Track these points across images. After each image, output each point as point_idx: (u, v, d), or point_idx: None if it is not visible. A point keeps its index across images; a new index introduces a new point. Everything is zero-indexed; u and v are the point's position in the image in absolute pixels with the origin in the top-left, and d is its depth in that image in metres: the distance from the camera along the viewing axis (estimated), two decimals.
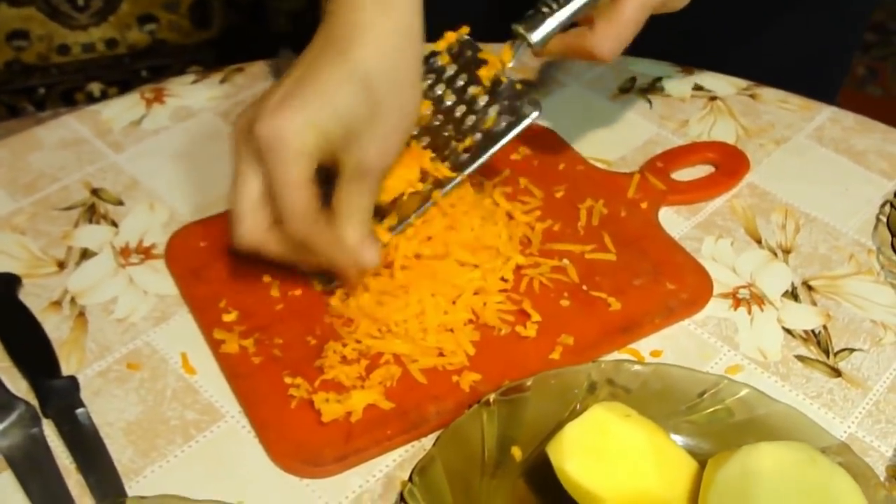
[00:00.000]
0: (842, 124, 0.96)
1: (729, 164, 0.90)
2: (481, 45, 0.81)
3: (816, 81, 1.05)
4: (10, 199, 0.86)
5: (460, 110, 0.79)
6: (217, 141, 0.92)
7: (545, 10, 0.77)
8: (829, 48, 1.12)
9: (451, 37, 0.81)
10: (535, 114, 0.76)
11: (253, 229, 0.69)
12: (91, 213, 0.85)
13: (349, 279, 0.73)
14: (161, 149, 0.91)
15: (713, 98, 0.99)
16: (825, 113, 0.97)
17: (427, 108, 0.79)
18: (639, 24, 0.76)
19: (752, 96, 0.99)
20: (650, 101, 0.98)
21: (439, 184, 0.76)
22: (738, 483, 0.57)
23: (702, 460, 0.62)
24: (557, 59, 1.00)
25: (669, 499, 0.60)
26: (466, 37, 0.81)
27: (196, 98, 0.97)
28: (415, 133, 0.78)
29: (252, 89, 0.98)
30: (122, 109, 0.96)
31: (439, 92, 0.80)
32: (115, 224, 0.84)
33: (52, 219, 0.84)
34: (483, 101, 0.78)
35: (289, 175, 0.66)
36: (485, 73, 0.78)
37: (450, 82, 0.80)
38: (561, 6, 0.77)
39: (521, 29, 0.77)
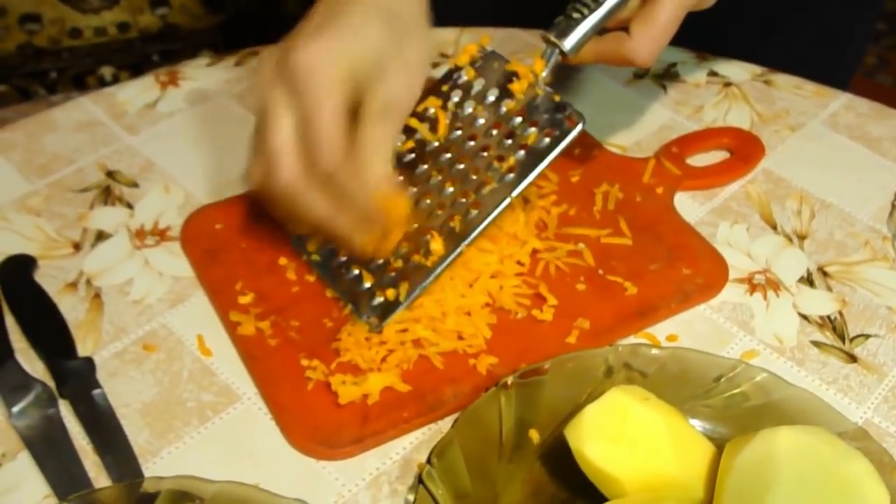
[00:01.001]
0: (856, 111, 0.95)
1: (744, 149, 0.89)
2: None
3: (829, 70, 1.04)
4: (25, 181, 0.86)
5: (496, 129, 0.75)
6: (232, 123, 0.92)
7: (576, 15, 0.74)
8: (841, 37, 1.12)
9: (471, 49, 0.77)
10: (579, 126, 0.72)
11: (292, 167, 0.67)
12: (106, 195, 0.85)
13: (378, 230, 0.71)
14: (176, 131, 0.91)
15: (728, 84, 0.98)
16: (840, 100, 0.97)
17: (444, 125, 0.76)
18: (676, 25, 0.74)
19: (766, 82, 0.99)
20: (665, 87, 0.98)
21: (487, 208, 0.72)
22: (757, 467, 0.57)
23: (719, 444, 0.62)
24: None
25: (687, 482, 0.60)
26: (490, 49, 0.78)
27: (211, 81, 0.97)
28: (448, 157, 0.75)
29: None
30: (137, 92, 0.96)
31: (469, 110, 0.76)
32: (130, 206, 0.84)
33: (67, 200, 0.84)
34: (520, 116, 0.74)
35: (326, 103, 0.65)
36: (518, 87, 0.74)
37: (480, 99, 0.76)
38: (592, 10, 0.73)
39: (552, 36, 0.74)
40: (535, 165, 0.72)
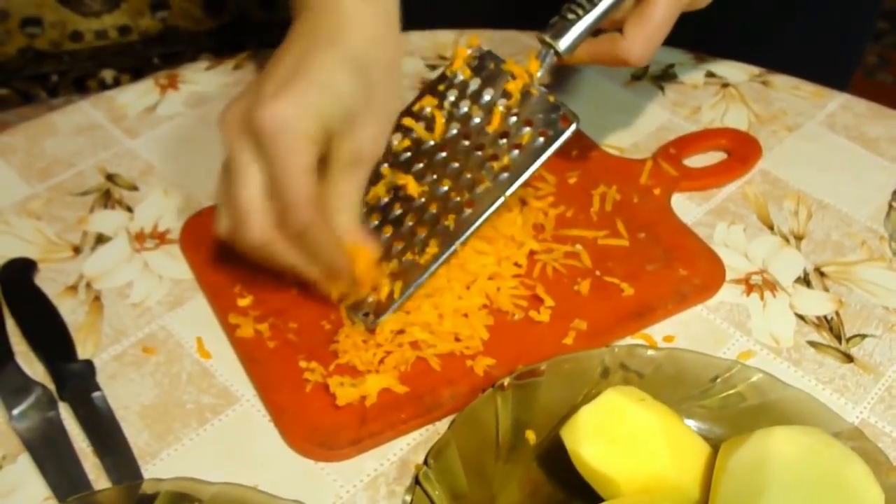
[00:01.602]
0: (854, 111, 0.96)
1: (741, 150, 0.90)
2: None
3: (829, 70, 1.04)
4: (25, 185, 0.86)
5: (491, 128, 0.75)
6: None
7: (571, 16, 0.74)
8: (841, 36, 1.12)
9: (463, 53, 0.77)
10: (573, 126, 0.72)
11: (263, 224, 0.67)
12: (106, 199, 0.85)
13: (347, 280, 0.71)
14: (175, 135, 0.92)
15: (725, 85, 0.99)
16: (837, 100, 0.97)
17: (441, 123, 0.77)
18: (670, 26, 0.74)
19: (764, 83, 0.99)
20: (663, 88, 0.98)
21: (481, 208, 0.73)
22: (752, 467, 0.57)
23: (715, 444, 0.62)
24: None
25: (683, 482, 0.60)
26: (486, 49, 0.78)
27: (210, 84, 0.98)
28: (443, 156, 0.76)
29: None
30: (136, 95, 0.96)
31: (465, 109, 0.76)
32: (130, 209, 0.84)
33: (67, 204, 0.85)
34: (515, 116, 0.75)
35: (294, 162, 0.64)
36: (513, 87, 0.75)
37: (475, 98, 0.76)
38: (587, 11, 0.74)
39: (547, 37, 0.74)
40: (529, 165, 0.73)
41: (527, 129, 0.74)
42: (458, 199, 0.74)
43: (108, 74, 2.17)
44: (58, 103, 2.07)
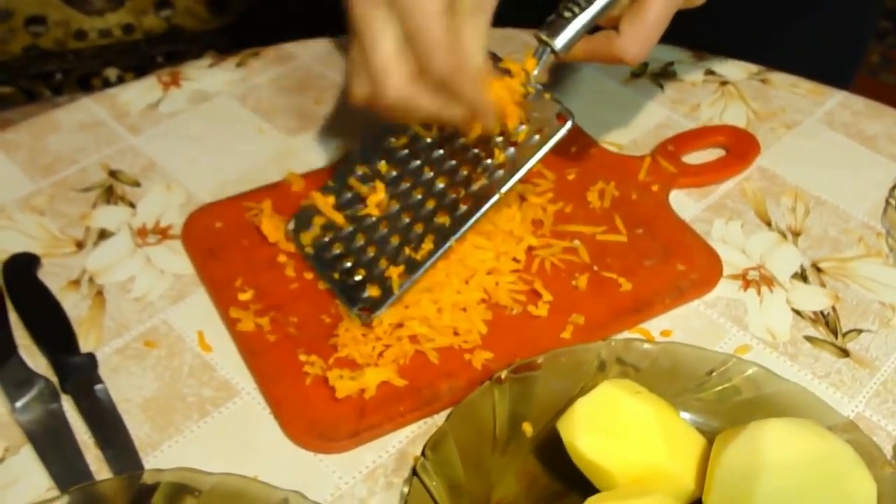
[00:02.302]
0: (852, 109, 0.96)
1: (739, 147, 0.90)
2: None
3: (830, 69, 1.05)
4: (29, 181, 0.87)
5: None
6: (233, 124, 0.93)
7: (567, 14, 0.74)
8: (842, 36, 1.12)
9: None
10: (568, 124, 0.73)
11: (401, 79, 0.67)
12: (109, 195, 0.86)
13: (484, 110, 0.71)
14: (178, 131, 0.92)
15: (724, 82, 0.99)
16: (836, 97, 0.97)
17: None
18: (665, 24, 0.74)
19: (763, 81, 0.99)
20: (662, 86, 0.99)
21: (476, 204, 0.74)
22: (745, 458, 0.58)
23: (710, 437, 0.62)
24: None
25: (678, 474, 0.61)
26: None
27: (212, 82, 0.98)
28: (440, 153, 0.77)
29: (268, 73, 0.99)
30: (139, 93, 0.97)
31: None
32: (132, 205, 0.85)
33: (70, 200, 0.85)
34: (510, 114, 0.74)
35: (428, 7, 0.65)
36: (509, 85, 0.74)
37: None
38: (583, 9, 0.74)
39: (543, 35, 0.74)
40: (525, 162, 0.73)
41: (523, 127, 0.74)
42: (455, 195, 0.74)
43: (111, 73, 2.18)
44: (62, 101, 2.07)
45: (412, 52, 0.67)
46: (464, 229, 0.73)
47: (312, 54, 1.02)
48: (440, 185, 0.75)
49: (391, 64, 0.67)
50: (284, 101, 0.96)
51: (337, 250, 0.77)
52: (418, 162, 0.77)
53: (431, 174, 0.76)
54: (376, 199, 0.77)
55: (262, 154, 0.90)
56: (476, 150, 0.75)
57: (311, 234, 0.78)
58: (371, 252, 0.76)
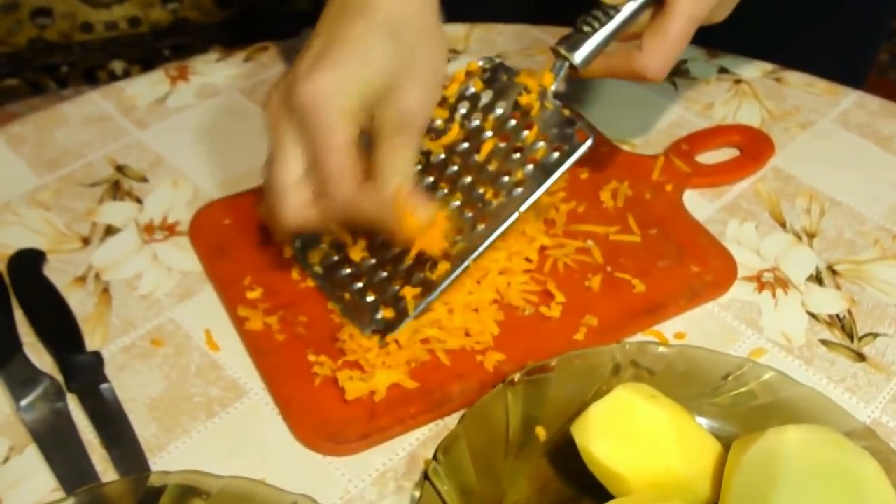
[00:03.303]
0: (867, 109, 0.95)
1: (754, 147, 0.89)
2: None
3: (843, 69, 1.04)
4: (35, 175, 0.86)
5: (504, 142, 0.73)
6: (241, 119, 0.92)
7: (586, 28, 0.73)
8: (857, 36, 1.11)
9: (473, 66, 0.76)
10: (589, 142, 0.71)
11: (298, 206, 0.67)
12: (115, 190, 0.85)
13: (400, 237, 0.70)
14: (185, 126, 0.92)
15: (738, 81, 0.98)
16: (851, 97, 0.96)
17: (456, 134, 0.75)
18: (687, 40, 0.73)
19: (777, 80, 0.98)
20: (675, 84, 0.98)
21: (494, 223, 0.71)
22: (764, 466, 0.57)
23: (726, 442, 0.61)
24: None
25: (694, 481, 0.60)
26: (498, 59, 0.76)
27: (220, 76, 0.97)
28: (455, 169, 0.74)
29: (276, 68, 0.98)
30: (146, 87, 0.96)
31: (477, 122, 0.75)
32: (139, 201, 0.84)
33: (76, 195, 0.84)
34: (528, 130, 0.73)
35: (333, 137, 0.64)
36: (526, 100, 0.73)
37: (487, 111, 0.75)
38: (603, 24, 0.73)
39: (562, 50, 0.73)
40: (544, 180, 0.71)
41: (541, 144, 0.72)
42: (471, 214, 0.72)
43: (118, 66, 2.17)
44: (67, 94, 2.07)
45: (314, 177, 0.66)
46: (481, 249, 0.71)
47: None
48: (456, 202, 0.73)
49: (291, 189, 0.67)
50: None
51: (347, 270, 0.75)
52: (432, 179, 0.75)
53: (446, 191, 0.74)
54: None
55: None
56: (492, 168, 0.73)
57: (319, 253, 0.76)
58: (384, 272, 0.74)
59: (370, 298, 0.73)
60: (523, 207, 0.71)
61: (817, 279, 0.79)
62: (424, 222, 0.69)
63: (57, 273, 0.78)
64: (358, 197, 0.67)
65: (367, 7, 0.67)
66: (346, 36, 0.67)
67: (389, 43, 0.67)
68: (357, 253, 0.74)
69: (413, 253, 0.71)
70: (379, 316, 0.72)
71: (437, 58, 0.70)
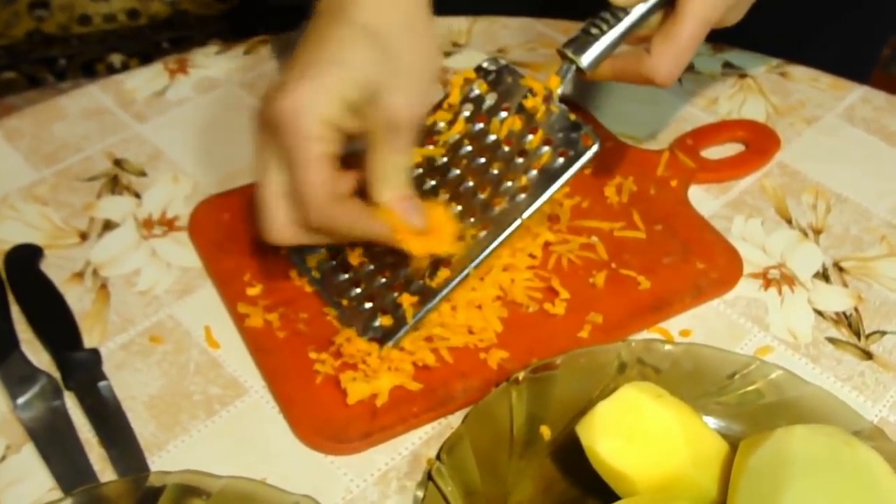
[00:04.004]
0: (873, 104, 0.94)
1: (759, 142, 0.89)
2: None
3: (847, 64, 1.03)
4: (32, 169, 0.85)
5: (508, 146, 0.72)
6: (241, 112, 0.91)
7: (594, 31, 0.72)
8: (862, 32, 1.11)
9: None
10: (595, 147, 0.69)
11: (282, 224, 0.66)
12: (114, 184, 0.84)
13: (394, 244, 0.69)
14: (184, 120, 0.91)
15: (743, 76, 0.97)
16: (856, 92, 0.96)
17: (458, 136, 0.74)
18: (698, 44, 0.72)
19: (782, 74, 0.98)
20: (680, 79, 0.96)
21: (496, 230, 0.70)
22: (772, 466, 0.56)
23: (733, 442, 0.61)
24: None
25: (701, 481, 0.59)
26: (503, 61, 0.75)
27: (220, 69, 0.96)
28: (456, 172, 0.73)
29: (275, 61, 0.98)
30: (145, 80, 0.95)
31: (480, 125, 0.73)
32: (137, 195, 0.83)
33: (74, 189, 0.84)
34: (532, 134, 0.71)
35: (306, 150, 0.63)
36: (531, 104, 0.72)
37: (491, 113, 0.73)
38: (611, 26, 0.71)
39: (569, 52, 0.71)
40: (548, 186, 0.70)
41: (546, 149, 0.71)
42: (472, 219, 0.71)
43: (116, 59, 2.16)
44: (65, 87, 2.07)
45: (293, 199, 0.65)
46: (482, 256, 0.70)
47: None
48: (457, 208, 0.72)
49: (270, 208, 0.66)
50: None
51: (344, 275, 0.74)
52: (433, 183, 0.74)
53: (447, 196, 0.73)
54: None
55: None
56: (495, 172, 0.72)
57: (317, 258, 0.75)
58: (382, 278, 0.72)
59: (368, 305, 0.72)
60: (526, 214, 0.70)
61: (824, 276, 0.78)
62: (420, 229, 0.68)
63: (54, 269, 0.77)
64: (335, 215, 0.65)
65: (349, 13, 0.66)
66: (327, 43, 0.65)
67: (371, 47, 0.65)
68: (355, 258, 0.73)
69: (422, 256, 0.70)
70: (377, 323, 0.70)
71: (425, 61, 0.69)
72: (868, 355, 0.72)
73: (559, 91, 0.72)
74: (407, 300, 0.69)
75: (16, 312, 0.73)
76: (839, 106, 0.94)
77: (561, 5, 0.78)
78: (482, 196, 0.72)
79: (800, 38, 1.05)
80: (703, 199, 0.84)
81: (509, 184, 0.71)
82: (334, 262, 0.74)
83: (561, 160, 0.70)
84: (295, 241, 0.67)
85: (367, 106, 0.65)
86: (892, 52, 2.44)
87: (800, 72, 0.98)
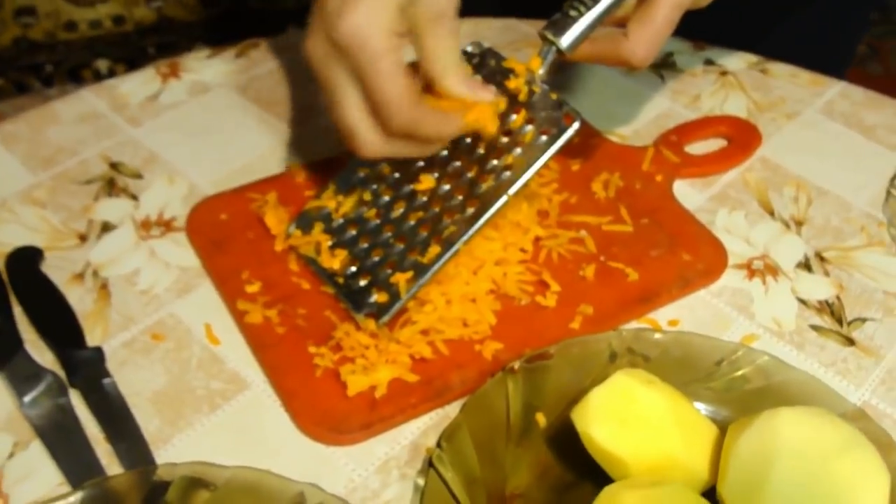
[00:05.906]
0: (851, 99, 0.96)
1: (741, 137, 0.90)
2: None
3: (825, 62, 1.05)
4: (29, 173, 0.87)
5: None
6: (234, 114, 0.93)
7: (573, 13, 0.73)
8: (838, 29, 1.12)
9: None
10: (576, 125, 0.72)
11: (371, 139, 0.68)
12: (111, 187, 0.85)
13: (487, 127, 0.71)
14: (178, 123, 0.92)
15: (724, 73, 0.99)
16: (835, 88, 0.98)
17: None
18: (673, 26, 0.74)
19: (762, 71, 1.00)
20: (662, 76, 0.99)
21: (484, 207, 0.72)
22: (760, 447, 0.58)
23: (722, 426, 0.62)
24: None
25: (692, 463, 0.61)
26: (487, 44, 0.77)
27: (211, 73, 0.98)
28: (444, 153, 0.75)
29: (267, 64, 0.99)
30: (138, 84, 0.96)
31: None
32: (135, 197, 0.84)
33: (71, 192, 0.85)
34: (516, 114, 0.73)
35: (383, 64, 0.65)
36: (514, 85, 0.73)
37: None
38: (589, 8, 0.73)
39: (549, 34, 0.73)
40: (532, 163, 0.72)
41: (529, 128, 0.73)
42: (461, 197, 0.73)
43: (102, 64, 2.17)
44: (52, 93, 2.07)
45: (374, 108, 0.67)
46: (471, 232, 0.72)
47: None
48: (445, 186, 0.74)
49: (357, 126, 0.68)
50: (285, 91, 0.96)
51: (342, 252, 0.76)
52: (422, 163, 0.76)
53: (436, 175, 0.75)
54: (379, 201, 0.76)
55: (264, 145, 0.90)
56: (482, 152, 0.74)
57: (312, 239, 0.77)
58: (375, 256, 0.75)
59: (363, 283, 0.74)
60: (512, 190, 0.72)
61: (806, 266, 0.80)
62: (491, 103, 0.71)
63: (55, 270, 0.78)
64: (422, 117, 0.67)
65: None
66: None
67: None
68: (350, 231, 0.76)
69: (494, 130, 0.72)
70: (372, 299, 0.72)
71: None
72: (850, 341, 0.74)
73: (540, 72, 0.74)
74: (400, 277, 0.71)
75: (18, 313, 0.74)
76: (818, 101, 0.96)
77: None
78: (470, 175, 0.74)
79: (776, 35, 1.07)
80: (688, 193, 0.86)
81: (495, 162, 0.73)
82: (330, 244, 0.76)
83: (544, 138, 0.72)
84: (386, 152, 0.69)
85: (410, 6, 0.66)
86: (869, 48, 2.47)
87: (779, 68, 1.00)
